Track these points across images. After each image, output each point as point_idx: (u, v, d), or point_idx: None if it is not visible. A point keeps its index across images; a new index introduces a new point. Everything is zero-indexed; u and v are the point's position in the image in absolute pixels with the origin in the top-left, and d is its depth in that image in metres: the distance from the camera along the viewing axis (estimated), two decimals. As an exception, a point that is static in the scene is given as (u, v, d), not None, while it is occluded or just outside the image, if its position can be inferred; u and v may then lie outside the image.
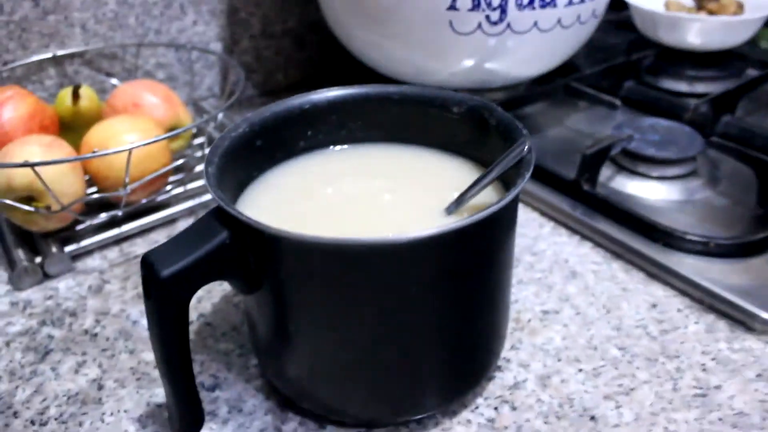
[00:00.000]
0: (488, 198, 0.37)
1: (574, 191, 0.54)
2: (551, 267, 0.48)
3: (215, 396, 0.39)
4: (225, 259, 0.31)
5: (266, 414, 0.38)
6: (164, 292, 0.30)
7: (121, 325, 0.45)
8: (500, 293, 0.37)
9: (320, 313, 0.32)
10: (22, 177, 0.46)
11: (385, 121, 0.43)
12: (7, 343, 0.44)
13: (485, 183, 0.35)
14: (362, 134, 0.43)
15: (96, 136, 0.51)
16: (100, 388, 0.40)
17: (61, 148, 0.49)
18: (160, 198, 0.55)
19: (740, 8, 0.76)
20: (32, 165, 0.44)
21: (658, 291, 0.46)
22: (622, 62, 0.74)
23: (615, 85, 0.69)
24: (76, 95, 0.55)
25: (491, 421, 0.37)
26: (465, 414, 0.37)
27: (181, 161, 0.55)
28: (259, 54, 0.77)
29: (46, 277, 0.49)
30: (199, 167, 0.58)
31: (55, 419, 0.38)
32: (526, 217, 0.54)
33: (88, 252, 0.52)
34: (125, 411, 0.39)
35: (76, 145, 0.52)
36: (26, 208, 0.47)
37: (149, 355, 0.42)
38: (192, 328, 0.44)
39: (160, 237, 0.54)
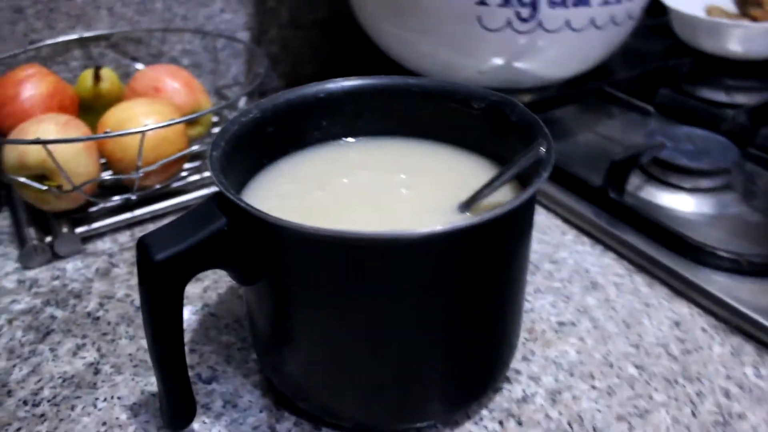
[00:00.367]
0: (504, 198, 0.36)
1: (600, 199, 0.51)
2: (571, 276, 0.46)
3: (211, 389, 0.38)
4: (223, 247, 0.30)
5: (261, 411, 0.37)
6: (158, 276, 0.29)
7: (124, 310, 0.44)
8: (512, 299, 0.35)
9: (319, 309, 0.31)
10: (35, 154, 0.45)
11: (403, 113, 0.41)
12: (10, 321, 0.43)
13: (500, 182, 0.34)
14: (379, 126, 0.42)
15: (112, 117, 0.50)
16: (96, 372, 0.39)
17: (77, 128, 0.48)
18: (176, 184, 0.55)
19: (787, 17, 0.73)
20: (44, 143, 0.43)
21: (683, 308, 0.43)
22: (657, 68, 0.71)
23: (649, 92, 0.66)
24: (97, 76, 0.55)
25: (495, 433, 0.35)
26: (468, 425, 0.36)
27: (198, 148, 0.54)
28: (287, 44, 0.76)
29: (56, 257, 0.49)
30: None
31: (48, 401, 0.38)
32: (548, 223, 0.52)
33: (99, 234, 0.51)
34: (118, 398, 0.38)
35: (95, 126, 0.52)
36: (38, 186, 0.47)
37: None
38: (195, 318, 0.43)
39: (172, 223, 0.53)
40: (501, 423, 0.36)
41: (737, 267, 0.44)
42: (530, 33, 0.55)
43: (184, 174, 0.55)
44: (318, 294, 0.30)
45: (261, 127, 0.37)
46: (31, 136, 0.46)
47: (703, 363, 0.39)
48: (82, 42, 0.63)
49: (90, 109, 0.56)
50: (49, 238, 0.49)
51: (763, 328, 0.40)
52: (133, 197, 0.51)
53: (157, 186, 0.52)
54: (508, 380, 0.38)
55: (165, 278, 0.29)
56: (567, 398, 0.37)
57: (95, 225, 0.51)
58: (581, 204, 0.52)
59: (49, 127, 0.47)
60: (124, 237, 0.51)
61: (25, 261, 0.48)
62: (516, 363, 0.39)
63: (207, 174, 0.56)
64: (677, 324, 0.42)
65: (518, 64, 0.59)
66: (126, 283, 0.47)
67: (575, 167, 0.55)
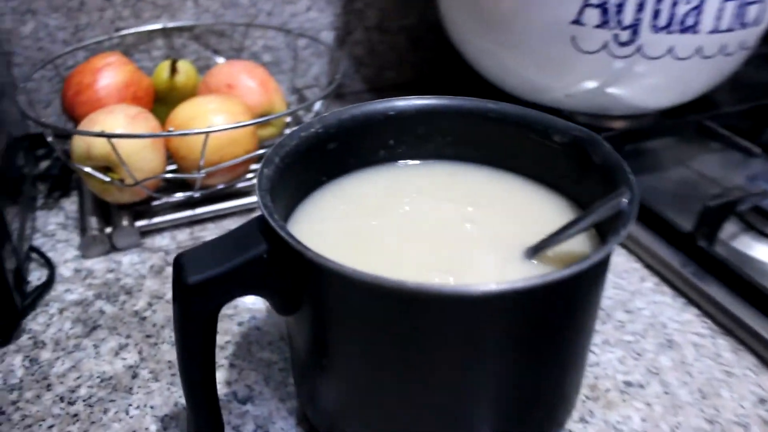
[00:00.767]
0: (576, 245, 0.32)
1: (688, 246, 0.47)
2: (645, 330, 0.42)
3: (245, 410, 0.36)
4: (261, 274, 0.28)
5: (292, 441, 0.35)
6: (190, 299, 0.28)
7: (171, 313, 0.43)
8: (574, 358, 0.32)
9: (357, 353, 0.28)
10: (100, 146, 0.45)
11: (478, 139, 0.38)
12: (61, 311, 0.43)
13: (574, 231, 0.30)
14: (450, 151, 0.39)
15: (181, 113, 0.50)
16: (134, 376, 0.39)
17: (146, 122, 0.48)
18: (241, 185, 0.54)
19: None
20: (108, 136, 0.43)
21: (771, 383, 0.39)
22: (770, 104, 0.64)
23: (756, 129, 0.60)
24: (173, 69, 0.55)
25: (539, 503, 0.32)
26: (510, 489, 0.32)
27: (267, 150, 0.53)
28: (372, 48, 0.74)
29: (114, 249, 0.49)
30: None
31: (83, 401, 0.37)
32: (626, 266, 0.48)
33: (158, 230, 0.51)
34: (151, 407, 0.37)
35: (167, 119, 0.51)
36: (102, 177, 0.46)
37: (191, 351, 0.40)
38: (240, 330, 0.42)
39: (232, 224, 0.52)
40: (547, 493, 0.32)
41: (841, 344, 0.39)
42: (628, 58, 0.51)
43: (250, 175, 0.54)
44: (356, 337, 0.28)
45: (323, 142, 0.35)
46: (100, 127, 0.46)
47: (790, 453, 0.35)
48: (165, 32, 0.63)
49: (164, 100, 0.55)
50: (109, 229, 0.49)
51: None
52: (196, 195, 0.50)
53: (221, 186, 0.51)
54: (561, 443, 0.35)
55: (197, 301, 0.28)
56: (626, 473, 0.33)
57: (155, 220, 0.50)
58: (666, 249, 0.48)
59: (118, 119, 0.47)
60: (183, 235, 0.51)
61: (84, 250, 0.48)
62: (572, 423, 0.36)
63: (273, 177, 0.55)
64: (763, 402, 0.37)
65: (611, 90, 0.54)
66: (178, 284, 0.46)
67: (664, 207, 0.50)
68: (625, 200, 0.29)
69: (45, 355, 0.40)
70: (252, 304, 0.44)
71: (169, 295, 0.45)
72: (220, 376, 0.38)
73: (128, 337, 0.41)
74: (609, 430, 0.36)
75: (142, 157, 0.47)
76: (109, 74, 0.52)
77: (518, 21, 0.53)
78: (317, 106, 0.60)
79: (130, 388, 0.38)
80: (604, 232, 0.33)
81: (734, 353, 0.40)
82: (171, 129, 0.45)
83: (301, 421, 0.36)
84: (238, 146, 0.49)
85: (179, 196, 0.51)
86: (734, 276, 0.43)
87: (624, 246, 0.50)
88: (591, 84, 0.54)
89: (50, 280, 0.46)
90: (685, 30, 0.49)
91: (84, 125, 0.47)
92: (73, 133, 0.45)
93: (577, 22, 0.50)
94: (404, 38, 0.75)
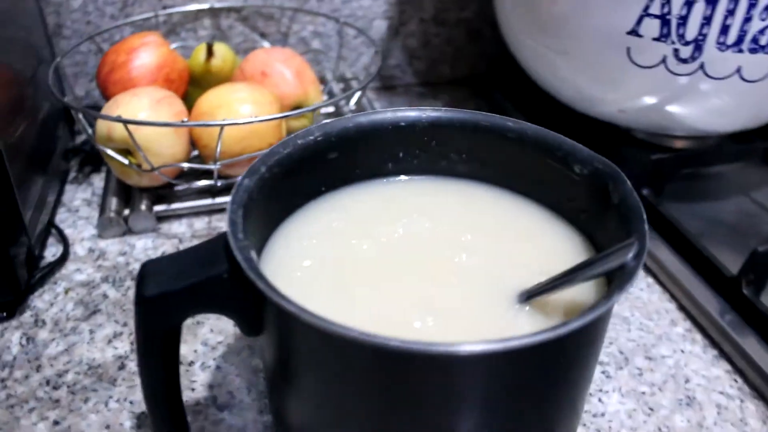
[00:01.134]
0: (577, 290, 0.29)
1: (730, 292, 0.42)
2: (665, 382, 0.38)
3: (221, 418, 0.35)
4: (221, 294, 0.26)
5: (261, 459, 0.33)
6: (147, 311, 0.26)
7: (172, 304, 0.43)
8: (559, 418, 0.29)
9: (312, 394, 0.27)
10: (120, 130, 0.45)
11: (494, 159, 0.35)
12: (66, 291, 0.44)
13: (571, 283, 0.27)
14: (463, 169, 0.36)
15: (207, 100, 0.49)
16: (121, 367, 0.38)
17: (171, 107, 0.47)
18: (266, 175, 0.52)
19: None
20: (124, 121, 0.42)
21: (800, 462, 0.34)
22: None
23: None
24: (209, 52, 0.54)
25: None
26: None
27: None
28: (427, 40, 0.71)
29: (130, 232, 0.49)
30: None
31: (68, 387, 0.37)
32: (658, 305, 0.44)
33: (177, 216, 0.50)
34: (131, 402, 0.36)
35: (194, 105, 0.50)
36: (121, 160, 0.46)
37: (183, 348, 0.39)
38: (234, 331, 0.41)
39: (252, 216, 0.51)
40: None
41: None
42: (689, 76, 0.46)
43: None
44: (312, 379, 0.26)
45: (322, 152, 0.33)
46: (124, 108, 0.45)
47: None
48: (213, 12, 0.62)
49: (199, 84, 0.55)
50: (127, 211, 0.49)
51: None
52: (218, 184, 0.49)
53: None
54: (545, 500, 0.32)
55: (154, 314, 0.27)
56: None
57: (174, 206, 0.50)
58: (706, 292, 0.43)
59: (142, 102, 0.46)
60: (201, 223, 0.50)
61: (100, 230, 0.48)
62: (563, 479, 0.33)
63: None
64: (786, 482, 0.33)
65: (670, 109, 0.50)
66: (185, 274, 0.45)
67: (712, 242, 0.46)
68: (630, 255, 0.25)
69: (42, 335, 0.40)
70: (252, 304, 0.43)
71: (173, 285, 0.44)
72: (205, 377, 0.38)
73: (124, 325, 0.41)
74: (602, 492, 0.33)
75: (163, 143, 0.46)
76: (144, 54, 0.51)
77: (572, 26, 0.49)
78: (354, 100, 0.58)
79: (115, 380, 0.37)
80: (612, 277, 0.29)
81: (763, 422, 0.36)
82: (184, 120, 0.44)
83: (276, 438, 0.34)
84: (260, 138, 0.48)
85: (199, 184, 0.50)
86: (778, 332, 0.39)
87: (659, 282, 0.46)
88: (646, 101, 0.49)
89: (63, 258, 0.46)
90: (756, 50, 0.44)
91: (108, 106, 0.46)
92: (89, 114, 0.44)
93: (633, 32, 0.46)
94: (462, 31, 0.71)
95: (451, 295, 0.29)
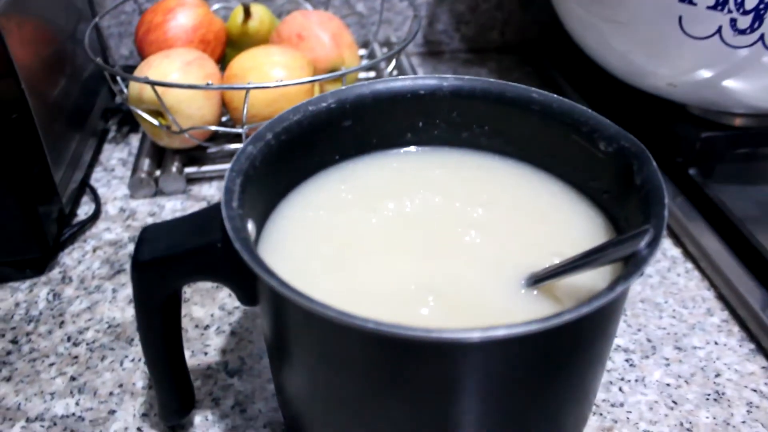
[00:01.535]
0: (589, 275, 0.27)
1: (776, 283, 0.39)
2: (692, 375, 0.36)
3: (230, 383, 0.35)
4: (215, 263, 0.26)
5: (265, 426, 0.33)
6: (141, 276, 0.26)
7: (194, 267, 0.43)
8: (573, 405, 0.27)
9: (307, 375, 0.26)
10: (150, 91, 0.45)
11: (516, 133, 0.33)
12: (95, 250, 0.44)
13: (583, 269, 0.26)
14: (485, 142, 0.34)
15: (239, 63, 0.48)
16: (139, 328, 0.39)
17: (201, 69, 0.47)
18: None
19: None
20: (148, 82, 0.42)
21: (834, 469, 0.32)
22: None
23: None
24: (246, 14, 0.53)
25: None
26: None
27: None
28: (476, 5, 0.69)
29: (161, 193, 0.49)
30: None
31: (87, 344, 0.38)
32: (695, 292, 0.41)
33: (207, 178, 0.50)
34: (145, 363, 0.37)
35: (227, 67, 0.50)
36: (152, 121, 0.46)
37: (200, 311, 0.40)
38: (252, 296, 0.40)
39: (282, 182, 0.51)
40: None
41: None
42: (747, 48, 0.43)
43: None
44: (304, 360, 0.25)
45: (336, 119, 0.32)
46: (155, 70, 0.45)
47: None
48: (255, -27, 0.61)
49: (237, 46, 0.54)
50: (158, 173, 0.49)
51: None
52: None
53: (274, 141, 0.50)
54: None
55: (149, 279, 0.27)
56: None
57: (204, 168, 0.50)
58: (748, 282, 0.40)
59: (174, 63, 0.46)
60: (230, 186, 0.50)
61: (132, 191, 0.48)
62: (571, 469, 0.32)
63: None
64: (816, 490, 0.31)
65: (725, 84, 0.46)
66: (210, 238, 0.45)
67: (759, 229, 0.42)
68: (644, 242, 0.24)
69: (68, 291, 0.41)
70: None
71: (197, 248, 0.44)
72: (218, 342, 0.38)
73: (146, 286, 0.41)
74: (611, 485, 0.31)
75: (192, 105, 0.46)
76: (181, 15, 0.51)
77: (623, -8, 0.46)
78: (391, 64, 0.57)
79: (132, 340, 0.38)
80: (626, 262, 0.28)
81: (797, 423, 0.34)
82: (209, 82, 0.44)
83: (280, 408, 0.34)
84: (290, 102, 0.46)
85: (230, 147, 0.50)
86: (825, 329, 0.36)
87: (698, 268, 0.43)
88: (698, 75, 0.46)
89: (95, 216, 0.47)
90: (825, 21, 0.40)
91: (141, 67, 0.47)
92: (117, 75, 0.44)
93: (687, 0, 0.42)
94: (513, -3, 0.69)
95: (456, 274, 0.28)
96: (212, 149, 0.50)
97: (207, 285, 0.41)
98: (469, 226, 0.30)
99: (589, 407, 0.31)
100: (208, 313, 0.40)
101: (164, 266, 0.26)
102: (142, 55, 0.51)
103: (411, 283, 0.27)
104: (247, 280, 0.26)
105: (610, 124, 0.30)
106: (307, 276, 0.28)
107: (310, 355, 0.25)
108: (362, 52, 0.63)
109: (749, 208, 0.46)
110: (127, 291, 0.41)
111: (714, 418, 0.34)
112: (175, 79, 0.45)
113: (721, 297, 0.41)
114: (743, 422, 0.34)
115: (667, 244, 0.45)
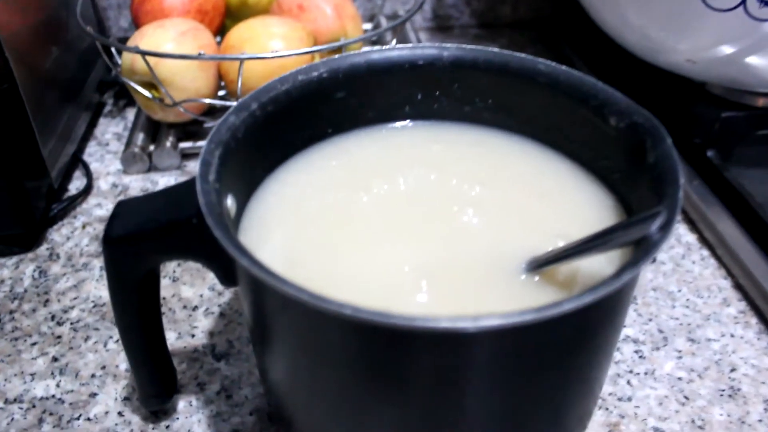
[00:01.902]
0: (594, 260, 0.25)
1: (798, 272, 0.37)
2: (706, 369, 0.34)
3: (216, 367, 0.34)
4: (190, 239, 0.24)
5: (251, 414, 0.32)
6: (112, 253, 0.25)
7: (185, 246, 0.41)
8: (578, 397, 0.26)
9: (286, 362, 0.24)
10: (142, 62, 0.43)
11: (522, 107, 0.31)
12: (84, 226, 0.43)
13: (587, 254, 0.23)
14: (488, 117, 0.32)
15: (236, 34, 0.46)
16: (125, 308, 0.37)
17: (196, 40, 0.45)
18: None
19: None
20: (139, 52, 0.40)
21: None
22: None
23: None
24: (246, -17, 0.51)
25: None
26: None
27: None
28: (489, -22, 0.66)
29: (154, 168, 0.47)
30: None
31: (71, 324, 0.36)
32: (711, 282, 0.39)
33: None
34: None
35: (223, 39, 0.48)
36: (144, 93, 0.44)
37: (189, 291, 0.38)
38: (244, 277, 0.39)
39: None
40: None
41: None
42: (773, 21, 0.40)
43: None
44: (288, 348, 0.24)
45: (328, 90, 0.30)
46: (147, 39, 0.44)
47: None
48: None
49: (236, 17, 0.52)
50: (152, 148, 0.47)
51: None
52: (245, 123, 0.47)
53: (272, 117, 0.48)
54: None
55: (121, 257, 0.25)
56: None
57: (200, 143, 0.48)
58: (768, 270, 0.38)
59: (167, 33, 0.44)
60: (227, 163, 0.48)
61: (125, 166, 0.47)
62: (573, 466, 0.30)
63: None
64: (835, 495, 0.29)
65: (748, 61, 0.43)
66: (204, 215, 0.44)
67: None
68: (655, 225, 0.21)
69: (55, 268, 0.40)
70: (266, 251, 0.41)
71: (189, 226, 0.43)
72: (207, 324, 0.36)
73: (135, 264, 0.40)
74: (615, 484, 0.29)
75: (186, 77, 0.44)
76: (177, -17, 0.49)
77: (641, -38, 0.44)
78: (393, 38, 0.54)
79: (117, 320, 0.37)
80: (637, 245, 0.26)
81: (817, 422, 0.32)
82: (202, 53, 0.42)
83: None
84: None
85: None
86: None
87: (715, 255, 0.41)
88: (719, 50, 0.43)
89: (85, 192, 0.45)
90: None
91: (134, 36, 0.45)
92: (107, 44, 0.43)
93: (710, -31, 0.40)
94: (527, -30, 0.66)
95: (450, 259, 0.26)
96: (209, 124, 0.48)
97: (197, 264, 0.40)
98: (466, 204, 0.28)
99: (594, 401, 0.29)
100: (197, 293, 0.38)
101: (136, 242, 0.24)
102: (138, 26, 0.49)
103: (402, 267, 0.26)
104: (225, 258, 0.24)
105: (622, 97, 0.28)
106: (293, 258, 0.26)
107: (288, 342, 0.23)
108: (368, 26, 0.60)
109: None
110: (115, 269, 0.40)
111: (728, 416, 0.32)
112: (169, 49, 0.43)
113: (738, 286, 0.39)
114: (760, 420, 0.32)
115: (681, 230, 0.43)
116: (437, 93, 0.32)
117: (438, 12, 0.67)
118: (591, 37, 0.56)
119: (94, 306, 0.37)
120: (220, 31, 0.52)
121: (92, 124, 0.52)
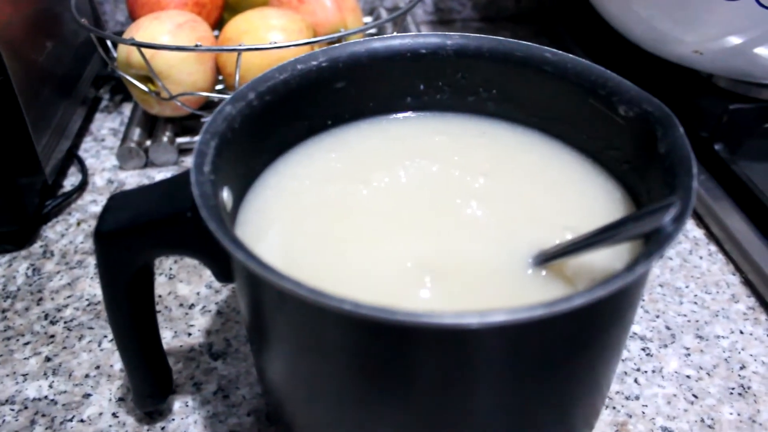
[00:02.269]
0: (603, 253, 0.24)
1: (809, 267, 0.36)
2: (715, 367, 0.33)
3: (213, 367, 0.33)
4: (184, 234, 0.23)
5: (249, 415, 0.31)
6: (105, 247, 0.24)
7: (182, 242, 0.40)
8: (586, 395, 0.25)
9: (284, 360, 0.24)
10: (139, 55, 0.42)
11: (528, 97, 0.30)
12: (79, 223, 0.42)
13: (596, 247, 0.23)
14: (492, 107, 0.31)
15: (234, 26, 0.45)
16: (121, 306, 0.36)
17: (193, 32, 0.44)
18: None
19: None
20: (135, 44, 0.40)
21: None
22: None
23: None
24: (243, -24, 0.50)
25: None
26: None
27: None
28: (490, -29, 0.65)
29: (151, 164, 0.46)
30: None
31: (65, 323, 0.35)
32: (719, 278, 0.38)
33: (200, 149, 0.48)
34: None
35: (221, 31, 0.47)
36: (140, 86, 0.44)
37: (185, 289, 0.37)
38: (242, 274, 0.38)
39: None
40: None
41: None
42: (783, 11, 0.39)
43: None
44: (280, 340, 0.23)
45: (328, 80, 0.29)
46: (143, 32, 0.43)
47: None
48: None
49: (235, 9, 0.51)
50: (149, 143, 0.46)
51: None
52: (244, 118, 0.46)
53: (271, 111, 0.47)
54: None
55: (113, 252, 0.24)
56: None
57: (197, 138, 0.47)
58: (779, 265, 0.37)
59: (163, 25, 0.43)
60: (225, 158, 0.47)
61: (121, 161, 0.46)
62: (581, 467, 0.29)
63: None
64: None
65: (757, 51, 0.43)
66: (201, 212, 0.43)
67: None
68: (668, 216, 0.20)
69: (48, 266, 0.39)
70: (265, 247, 0.40)
71: (186, 223, 0.42)
72: (203, 322, 0.35)
73: (130, 261, 0.39)
74: (624, 486, 0.28)
75: (183, 70, 0.43)
76: (173, -24, 0.48)
77: (647, -49, 0.43)
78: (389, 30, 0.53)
79: (112, 318, 0.36)
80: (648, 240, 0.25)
81: (831, 421, 0.31)
82: (198, 44, 0.41)
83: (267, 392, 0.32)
84: None
85: (224, 116, 0.47)
86: None
87: (723, 250, 0.40)
88: (728, 41, 0.42)
89: (80, 188, 0.44)
90: None
91: (130, 29, 0.44)
92: (100, 36, 0.42)
93: (718, -43, 0.39)
94: (530, -38, 0.65)
95: (454, 253, 0.25)
96: (206, 118, 0.47)
97: (194, 261, 0.39)
98: (470, 197, 0.27)
99: (602, 400, 0.28)
100: (194, 290, 0.37)
101: (129, 237, 0.23)
102: (134, 19, 0.49)
103: (404, 262, 0.25)
104: (220, 253, 0.23)
105: (631, 86, 0.27)
106: (291, 253, 0.25)
107: (287, 339, 0.22)
108: (368, 19, 0.60)
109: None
110: (110, 266, 0.39)
111: (738, 414, 0.31)
112: (166, 41, 0.42)
113: (747, 282, 0.38)
114: (771, 419, 0.31)
115: (689, 225, 0.42)
116: (440, 83, 0.31)
117: (439, 5, 0.66)
118: (594, 28, 0.55)
119: (89, 304, 0.36)
120: (218, 25, 0.51)
121: (88, 120, 0.51)
